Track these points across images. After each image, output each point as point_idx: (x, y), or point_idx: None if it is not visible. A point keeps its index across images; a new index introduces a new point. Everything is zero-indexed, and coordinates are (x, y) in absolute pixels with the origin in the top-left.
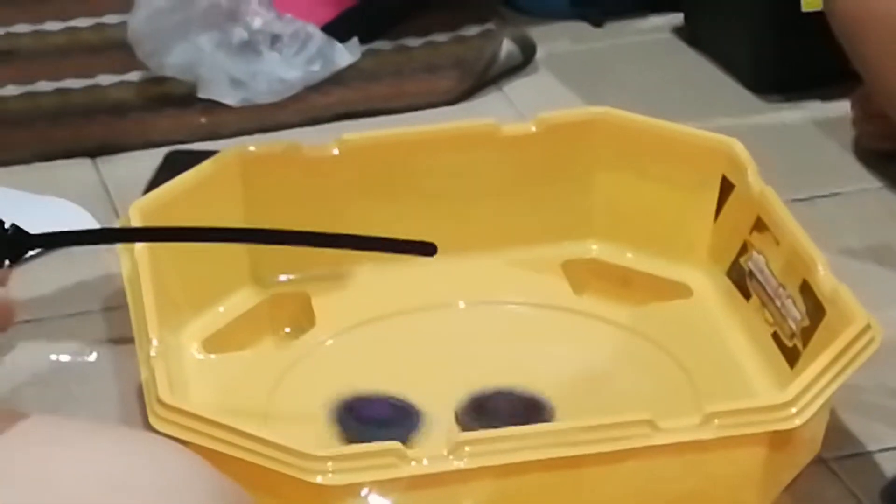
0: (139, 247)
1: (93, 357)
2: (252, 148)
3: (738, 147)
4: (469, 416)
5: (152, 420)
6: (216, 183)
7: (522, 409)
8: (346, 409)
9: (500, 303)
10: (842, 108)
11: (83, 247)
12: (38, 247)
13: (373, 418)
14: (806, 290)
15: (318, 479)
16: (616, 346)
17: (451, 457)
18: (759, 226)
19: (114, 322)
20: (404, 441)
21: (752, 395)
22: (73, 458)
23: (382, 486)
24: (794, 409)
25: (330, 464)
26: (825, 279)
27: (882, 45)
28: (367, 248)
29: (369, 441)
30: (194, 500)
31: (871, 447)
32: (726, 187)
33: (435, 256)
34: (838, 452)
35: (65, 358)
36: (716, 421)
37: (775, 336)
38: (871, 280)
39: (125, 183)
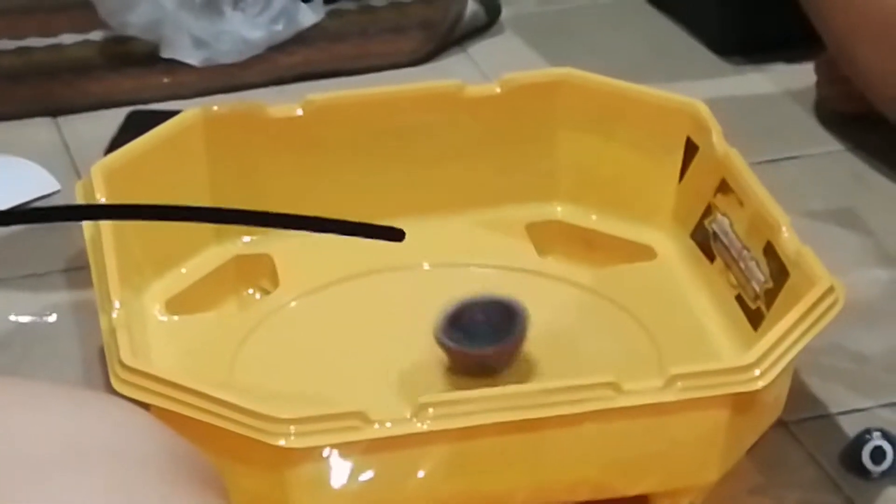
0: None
1: (53, 318)
2: (215, 108)
3: (703, 109)
4: (447, 333)
5: (114, 383)
6: (179, 143)
7: (498, 317)
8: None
9: (464, 265)
10: (806, 71)
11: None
12: (4, 224)
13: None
14: (770, 252)
15: (281, 443)
16: (580, 308)
17: (414, 419)
18: (724, 188)
19: (75, 283)
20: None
21: (716, 357)
22: (28, 420)
23: (344, 449)
24: (757, 371)
25: (292, 427)
26: (789, 241)
27: (845, 13)
28: (335, 231)
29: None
30: (151, 462)
31: (832, 410)
32: (690, 149)
33: (399, 217)
34: (799, 415)
35: (24, 319)
36: (679, 383)
37: (739, 298)
38: (834, 243)
39: (86, 142)
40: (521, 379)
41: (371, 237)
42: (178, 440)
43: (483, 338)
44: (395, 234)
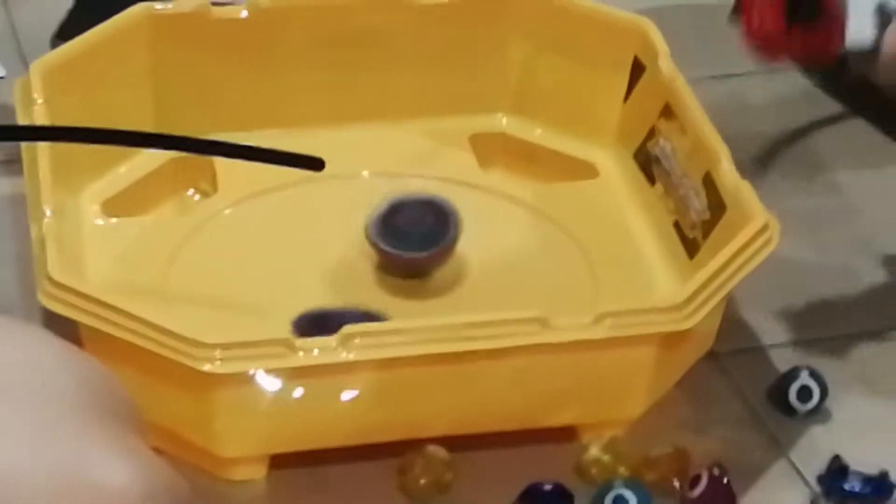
0: (39, 105)
1: None
2: (159, 6)
3: (652, 28)
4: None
5: (41, 297)
6: (121, 43)
7: (431, 218)
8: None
9: (404, 175)
10: None
11: None
12: None
13: None
14: (709, 182)
15: (206, 368)
16: (518, 226)
17: (339, 348)
18: (668, 112)
19: (13, 176)
20: None
21: (650, 284)
22: None
23: (269, 375)
24: (687, 311)
25: (218, 351)
26: (728, 174)
27: None
28: (254, 158)
29: None
30: (65, 397)
31: (764, 342)
32: (637, 69)
33: (342, 124)
34: (730, 346)
35: None
36: (608, 321)
37: (677, 225)
38: (783, 161)
39: (36, 27)
40: (456, 300)
41: (289, 165)
42: (95, 373)
43: (415, 240)
44: (315, 164)
